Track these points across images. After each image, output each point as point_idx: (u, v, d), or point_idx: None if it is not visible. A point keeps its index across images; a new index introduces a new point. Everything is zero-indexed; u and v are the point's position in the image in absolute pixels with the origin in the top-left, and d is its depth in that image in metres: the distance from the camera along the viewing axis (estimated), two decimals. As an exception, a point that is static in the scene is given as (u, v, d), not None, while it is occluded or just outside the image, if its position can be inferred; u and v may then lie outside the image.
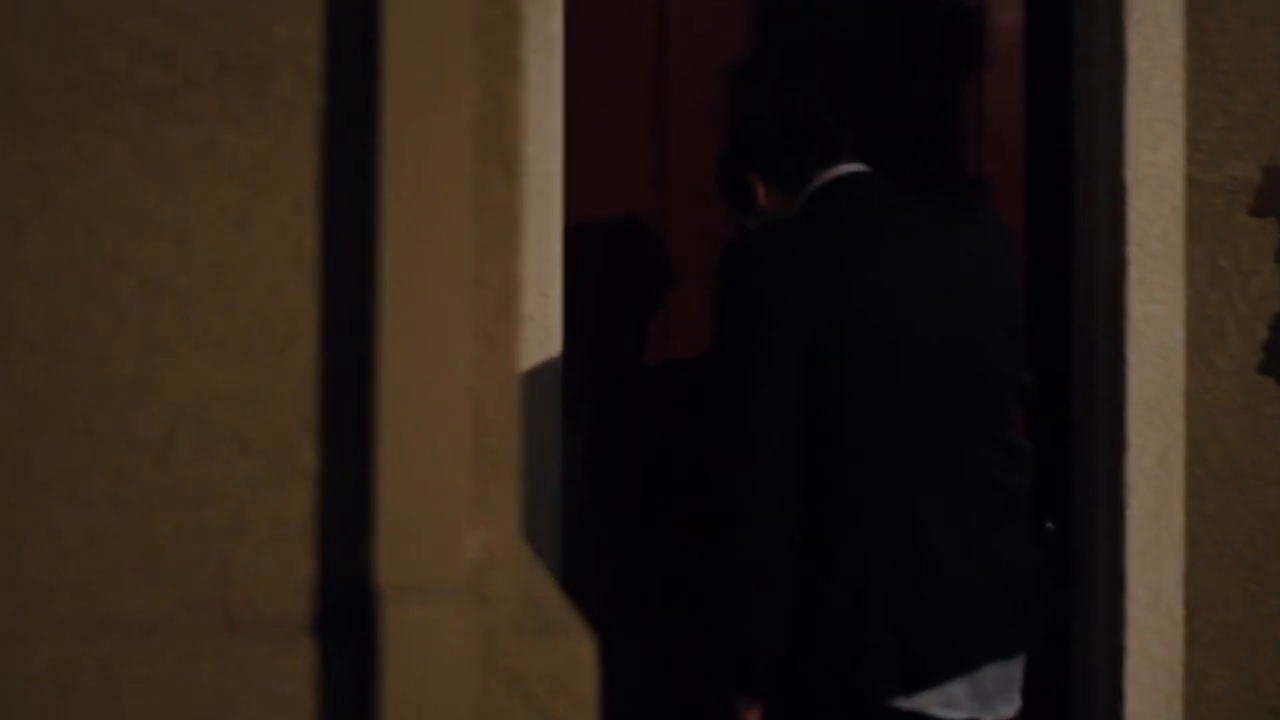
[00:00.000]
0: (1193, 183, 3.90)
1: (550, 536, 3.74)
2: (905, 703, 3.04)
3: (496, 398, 1.97)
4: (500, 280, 1.97)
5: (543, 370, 3.73)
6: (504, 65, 1.96)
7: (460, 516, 1.94)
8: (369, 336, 1.92)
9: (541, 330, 3.72)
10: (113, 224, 1.92)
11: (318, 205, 1.95)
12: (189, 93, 1.93)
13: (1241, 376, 3.93)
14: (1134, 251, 3.85)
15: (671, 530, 3.91)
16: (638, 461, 3.92)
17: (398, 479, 1.91)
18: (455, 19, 1.92)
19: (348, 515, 1.96)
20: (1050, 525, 3.92)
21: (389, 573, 1.91)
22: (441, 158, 1.92)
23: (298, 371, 1.96)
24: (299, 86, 1.95)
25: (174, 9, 1.93)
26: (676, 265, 3.93)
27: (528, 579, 2.15)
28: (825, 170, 3.25)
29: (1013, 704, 3.15)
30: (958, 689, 3.06)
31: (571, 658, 1.94)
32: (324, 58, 1.95)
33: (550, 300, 3.73)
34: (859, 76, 4.00)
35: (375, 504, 1.91)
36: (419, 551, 1.91)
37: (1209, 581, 3.92)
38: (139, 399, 1.93)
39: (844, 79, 3.99)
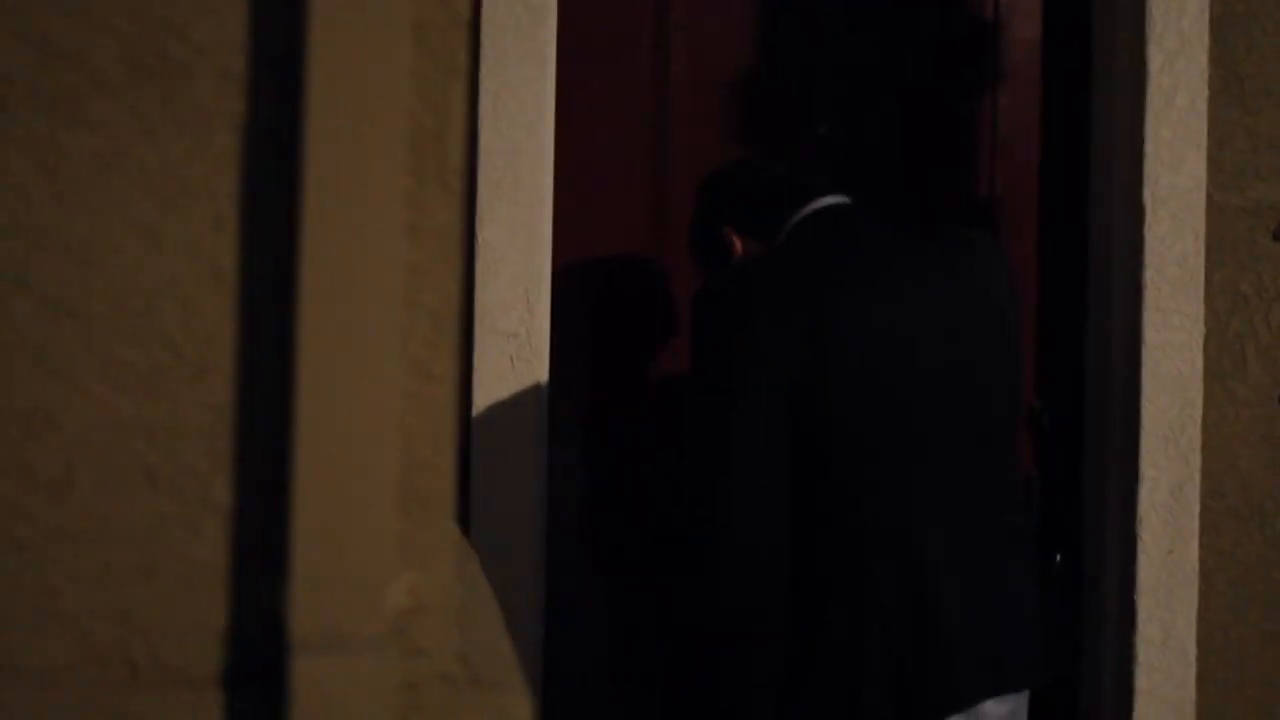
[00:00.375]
0: (1214, 205, 3.75)
1: (531, 560, 3.59)
2: None
3: (431, 433, 1.82)
4: (438, 307, 1.81)
5: (529, 388, 3.58)
6: (446, 72, 1.81)
7: (384, 561, 1.78)
8: (288, 365, 1.77)
9: (527, 348, 3.58)
10: (10, 240, 1.77)
11: (237, 222, 1.80)
12: (97, 98, 1.78)
13: (1262, 407, 3.77)
14: (1151, 276, 3.69)
15: (666, 553, 3.75)
16: (631, 482, 3.77)
17: (314, 520, 1.76)
18: (391, 21, 1.77)
19: (264, 558, 1.80)
20: (1059, 559, 3.77)
21: (303, 622, 1.76)
22: (372, 173, 1.76)
23: (212, 401, 1.81)
24: (219, 92, 1.80)
25: (82, 6, 1.78)
26: (674, 282, 3.78)
27: (462, 628, 1.99)
28: (801, 208, 3.13)
29: None
30: None
31: (504, 713, 1.79)
32: (247, 61, 1.80)
33: (537, 316, 3.59)
34: (868, 92, 3.84)
35: (290, 547, 1.76)
36: (336, 599, 1.76)
37: (1224, 620, 3.77)
38: (36, 430, 1.78)
39: (853, 95, 3.84)
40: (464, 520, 3.55)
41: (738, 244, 3.20)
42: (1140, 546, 3.69)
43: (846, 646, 2.90)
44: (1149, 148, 3.70)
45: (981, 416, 3.03)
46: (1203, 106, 3.72)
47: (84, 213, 1.78)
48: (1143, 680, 3.71)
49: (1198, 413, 3.73)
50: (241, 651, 1.81)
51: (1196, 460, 3.72)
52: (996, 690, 2.98)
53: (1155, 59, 3.70)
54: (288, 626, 1.74)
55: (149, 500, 1.80)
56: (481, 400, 3.56)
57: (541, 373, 3.62)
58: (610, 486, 3.79)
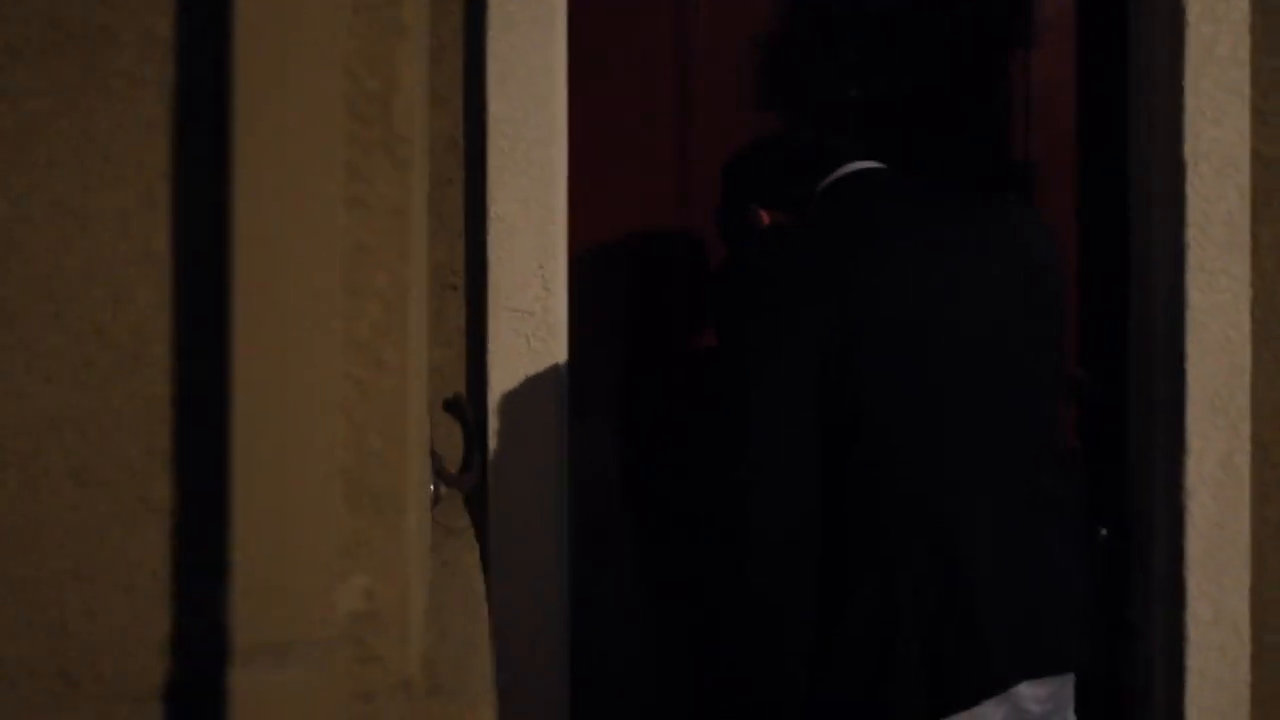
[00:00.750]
0: (1260, 159, 3.57)
1: (554, 550, 3.46)
2: None
3: (382, 425, 1.68)
4: (388, 289, 1.68)
5: (546, 369, 3.44)
6: (388, 30, 1.67)
7: (332, 563, 1.65)
8: (225, 352, 1.64)
9: (543, 326, 3.44)
10: (-81, 223, 1.65)
11: (169, 199, 1.67)
12: (11, 65, 1.65)
13: (1315, 372, 3.59)
14: (1194, 235, 3.53)
15: (690, 533, 3.62)
16: (657, 465, 3.63)
17: (254, 520, 1.63)
18: (325, -22, 1.64)
19: (207, 560, 1.68)
20: (1103, 533, 3.61)
21: (245, 630, 1.63)
22: (308, 142, 1.63)
23: (147, 393, 1.68)
24: (145, 57, 1.67)
25: (-7, -31, 1.65)
26: (697, 256, 3.63)
27: (432, 630, 1.87)
28: (830, 174, 3.00)
29: None
30: (991, 710, 2.77)
31: (465, 726, 1.66)
32: (174, 23, 1.67)
33: (553, 294, 3.45)
34: (898, 53, 3.68)
35: (230, 549, 1.63)
36: (280, 605, 1.63)
37: (1278, 596, 3.58)
38: (-46, 427, 1.66)
39: (882, 56, 3.68)
40: (482, 503, 3.42)
41: (765, 219, 3.08)
42: (1189, 520, 3.52)
43: (875, 626, 2.75)
44: (1188, 100, 3.53)
45: (1021, 383, 2.86)
46: (1245, 54, 3.54)
47: (1, 191, 1.65)
48: (1194, 659, 3.55)
49: (1246, 378, 3.55)
50: (185, 662, 1.68)
51: (1246, 428, 3.56)
52: (1034, 672, 2.83)
53: (1193, 6, 3.53)
54: (229, 635, 1.61)
55: (82, 500, 1.68)
56: (496, 381, 3.43)
57: (559, 352, 3.48)
58: (633, 468, 3.65)
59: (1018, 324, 2.85)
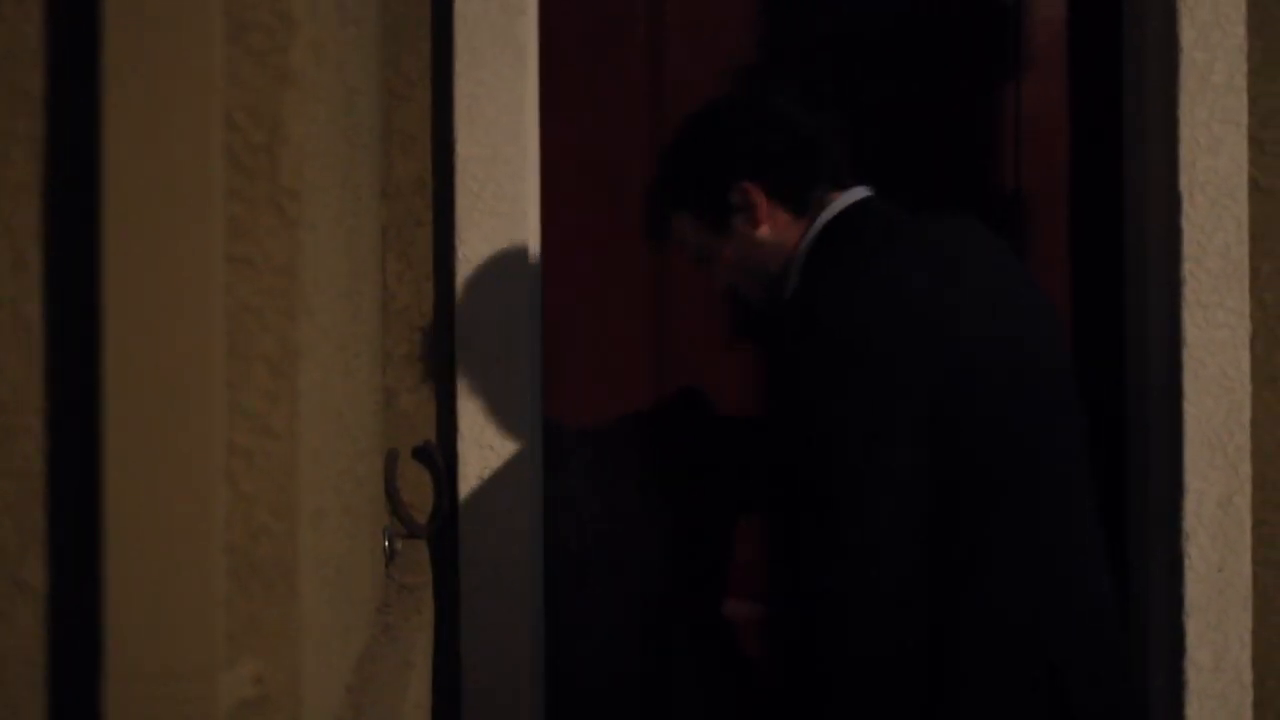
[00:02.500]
0: (1258, 189, 3.46)
1: (528, 592, 3.35)
2: None
3: (272, 497, 1.57)
4: (274, 353, 1.57)
5: (517, 413, 3.33)
6: (274, 78, 1.57)
7: (217, 648, 1.54)
8: (99, 423, 1.53)
9: (515, 372, 3.33)
10: None
11: (41, 262, 1.57)
12: None
13: (1318, 409, 3.47)
14: (1190, 269, 3.41)
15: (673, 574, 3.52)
16: (634, 509, 3.52)
17: (130, 604, 1.52)
18: (201, 19, 1.53)
19: (83, 646, 1.57)
20: None
21: (122, 721, 1.52)
22: (186, 196, 1.52)
23: (20, 469, 1.58)
24: (12, 111, 1.57)
25: None
26: (679, 293, 3.52)
27: (338, 713, 1.75)
28: (834, 193, 2.70)
29: None
30: None
31: (362, 825, 1.54)
32: (44, 77, 1.56)
33: (524, 337, 3.34)
34: (879, 80, 3.57)
35: (105, 636, 1.52)
36: (157, 694, 1.52)
37: (1281, 640, 3.47)
38: None
39: (862, 83, 3.57)
40: (453, 549, 3.31)
41: (763, 208, 2.68)
42: (1187, 564, 3.40)
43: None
44: (1184, 130, 3.41)
45: (1075, 429, 2.68)
46: (1242, 82, 3.42)
47: None
48: (1194, 709, 3.43)
49: (1246, 416, 3.43)
50: (61, 755, 1.57)
51: (1246, 469, 3.43)
52: None
53: (1187, 33, 3.41)
54: (104, 727, 1.50)
55: (-48, 583, 1.57)
56: (466, 428, 3.32)
57: (533, 397, 3.37)
58: (611, 515, 3.53)
59: (1059, 353, 2.70)
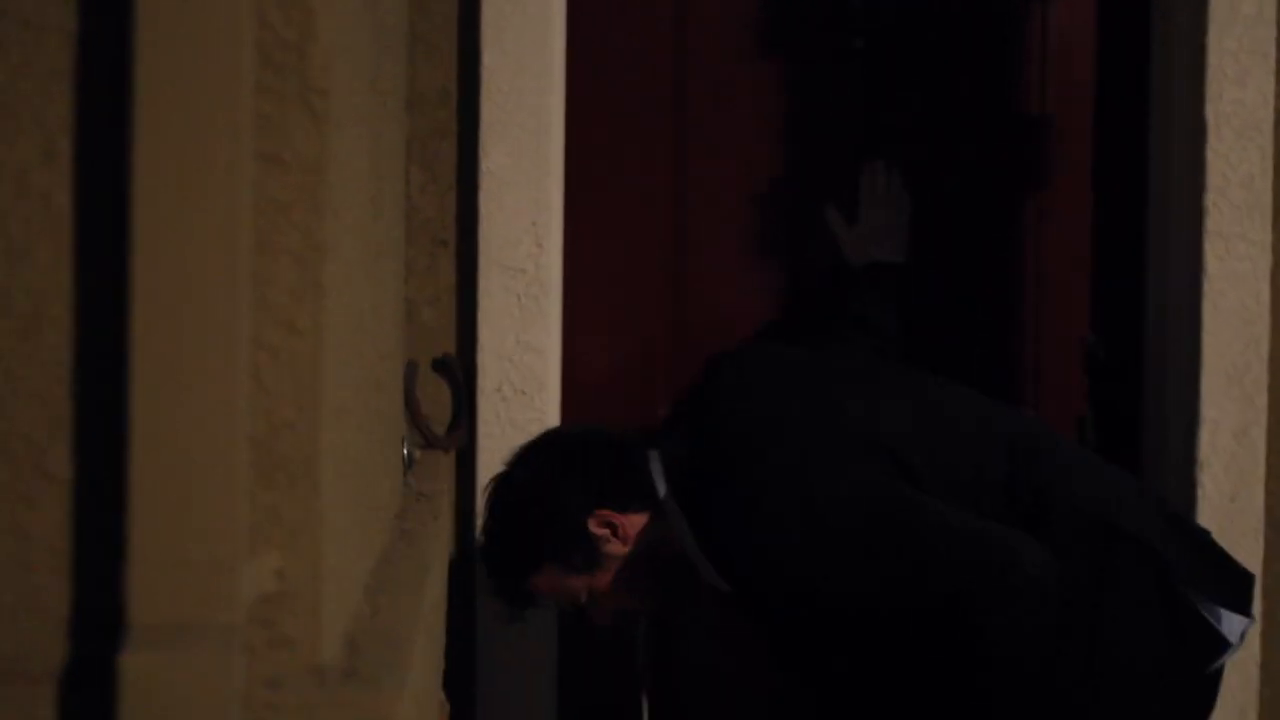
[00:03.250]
0: (1284, 122, 3.43)
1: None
2: None
3: (295, 393, 1.59)
4: (301, 249, 1.58)
5: (538, 329, 3.34)
6: (307, -22, 1.57)
7: (239, 540, 1.56)
8: (127, 315, 1.55)
9: (536, 284, 3.34)
10: None
11: (71, 153, 1.58)
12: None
13: (1336, 343, 3.47)
14: (1213, 200, 3.41)
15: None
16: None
17: (155, 494, 1.54)
18: (236, -82, 1.53)
19: (108, 534, 1.59)
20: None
21: (143, 610, 1.54)
22: (217, 92, 1.53)
23: (46, 359, 1.59)
24: (48, 4, 1.57)
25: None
26: (697, 209, 3.52)
27: (359, 612, 1.77)
28: (644, 457, 2.82)
29: None
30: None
31: (376, 713, 1.56)
32: (77, -32, 1.57)
33: (546, 251, 3.34)
34: (902, 4, 3.56)
35: (128, 524, 1.54)
36: (181, 584, 1.54)
37: (1293, 572, 3.48)
38: None
39: (889, 3, 3.55)
40: (470, 462, 3.32)
41: (624, 524, 2.78)
42: (1200, 493, 3.41)
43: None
44: (1212, 60, 3.40)
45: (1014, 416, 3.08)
46: (1271, 13, 3.42)
47: (-112, 143, 1.56)
48: (1203, 638, 3.43)
49: (1264, 349, 3.44)
50: (85, 643, 1.59)
51: (1263, 400, 3.44)
52: None
53: (1219, -39, 3.40)
54: (126, 615, 1.52)
55: (-25, 469, 1.59)
56: (487, 340, 3.33)
57: (552, 313, 3.38)
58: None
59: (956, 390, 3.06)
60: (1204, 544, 2.92)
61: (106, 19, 1.55)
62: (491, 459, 3.29)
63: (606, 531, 2.77)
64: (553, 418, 3.40)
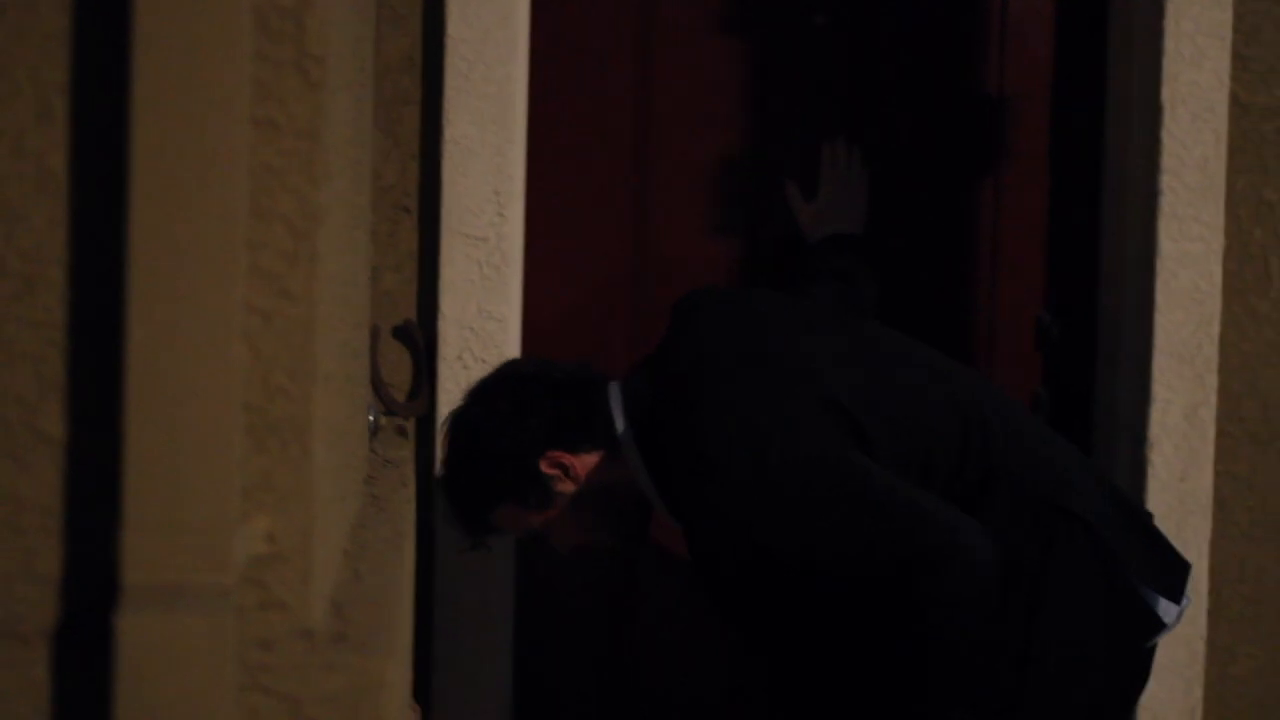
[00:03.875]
0: (1239, 105, 3.49)
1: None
2: None
3: (288, 359, 1.60)
4: (294, 214, 1.59)
5: (499, 298, 3.35)
6: (305, -55, 1.58)
7: (232, 502, 1.57)
8: (121, 277, 1.55)
9: (497, 253, 3.35)
10: None
11: (66, 115, 1.58)
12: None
13: (1285, 324, 3.52)
14: (1168, 181, 3.44)
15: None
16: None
17: (149, 454, 1.55)
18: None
19: (101, 496, 1.60)
20: None
21: (138, 571, 1.55)
22: (214, 57, 1.54)
23: (40, 320, 1.60)
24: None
25: None
26: (658, 183, 3.54)
27: (342, 577, 1.79)
28: (602, 394, 2.86)
29: None
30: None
31: (366, 676, 1.58)
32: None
33: (508, 221, 3.36)
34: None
35: (122, 485, 1.55)
36: (174, 546, 1.55)
37: (1239, 550, 3.55)
38: None
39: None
40: (429, 436, 3.33)
41: (575, 464, 2.82)
42: (1151, 471, 3.46)
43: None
44: (1168, 42, 3.44)
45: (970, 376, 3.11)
46: (1228, -3, 3.45)
47: (-116, 103, 1.56)
48: (1150, 614, 3.48)
49: (1215, 329, 3.48)
50: (76, 604, 1.61)
51: (1213, 380, 3.49)
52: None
53: (1177, -55, 3.43)
54: (119, 575, 1.53)
55: (-32, 430, 1.59)
56: (448, 308, 3.34)
57: (513, 281, 3.39)
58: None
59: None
60: (1146, 528, 2.96)
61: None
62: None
63: (558, 471, 2.81)
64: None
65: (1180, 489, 3.48)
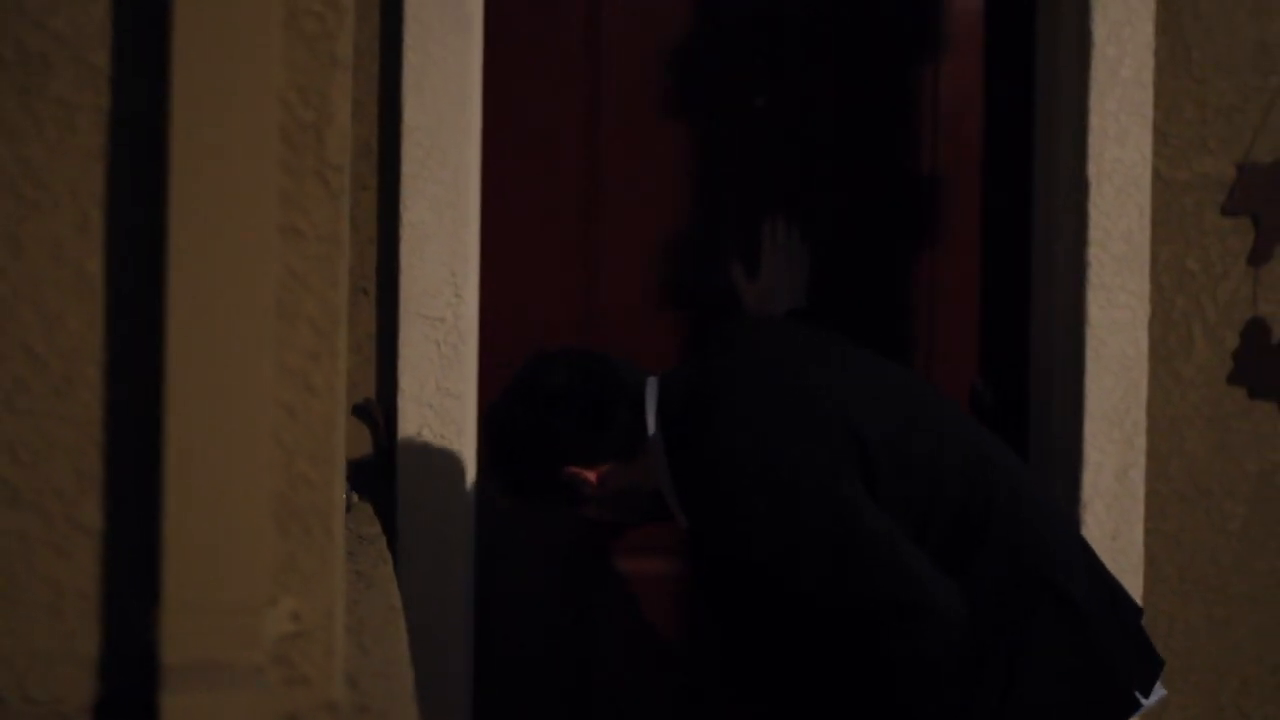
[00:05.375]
0: (1161, 179, 3.65)
1: (461, 553, 3.48)
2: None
3: (311, 449, 1.71)
4: (318, 315, 1.70)
5: (456, 375, 3.46)
6: (325, 61, 1.70)
7: (262, 585, 1.68)
8: (156, 378, 1.66)
9: (454, 332, 3.46)
10: None
11: (102, 224, 1.69)
12: (-54, 93, 1.66)
13: (1209, 388, 3.68)
14: (1095, 253, 3.60)
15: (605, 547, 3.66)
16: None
17: (186, 542, 1.65)
18: (262, 8, 1.66)
19: (137, 583, 1.70)
20: None
21: (176, 651, 1.65)
22: (243, 170, 1.65)
23: (78, 417, 1.70)
24: (80, 85, 1.68)
25: (-73, -7, 1.66)
26: (608, 262, 3.66)
27: (355, 648, 1.89)
28: (640, 406, 2.99)
29: None
30: None
31: (390, 747, 1.69)
32: (110, 52, 1.68)
33: (465, 301, 3.47)
34: (807, 62, 3.73)
35: (161, 571, 1.65)
36: (209, 627, 1.65)
37: (1169, 606, 3.69)
38: (-114, 448, 1.67)
39: (791, 65, 3.72)
40: (391, 511, 3.43)
41: (593, 478, 2.99)
42: (1084, 531, 3.59)
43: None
44: (1093, 120, 3.60)
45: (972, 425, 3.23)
46: (1148, 77, 3.62)
47: (-65, 216, 1.66)
48: (1087, 667, 3.62)
49: (1143, 394, 3.64)
50: (115, 683, 1.70)
51: (1142, 443, 3.64)
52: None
53: (1100, 28, 3.60)
54: (159, 656, 1.63)
55: (12, 521, 1.69)
56: (407, 387, 3.45)
57: (469, 359, 3.50)
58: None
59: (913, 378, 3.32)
60: (1124, 617, 3.06)
61: (141, 102, 1.67)
62: (411, 504, 3.41)
63: (575, 481, 2.98)
64: (471, 462, 3.51)
65: (1113, 547, 3.62)
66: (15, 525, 1.69)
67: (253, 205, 1.64)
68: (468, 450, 3.51)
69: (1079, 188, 3.61)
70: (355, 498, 3.26)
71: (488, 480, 3.17)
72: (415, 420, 3.46)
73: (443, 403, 3.47)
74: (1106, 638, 2.94)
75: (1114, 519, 3.62)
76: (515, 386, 3.04)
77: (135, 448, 1.68)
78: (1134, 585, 3.62)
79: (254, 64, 1.64)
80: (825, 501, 2.80)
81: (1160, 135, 3.65)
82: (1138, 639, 3.04)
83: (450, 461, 3.47)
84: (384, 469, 3.43)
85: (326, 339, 1.68)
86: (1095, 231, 3.61)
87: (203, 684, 1.60)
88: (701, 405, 2.90)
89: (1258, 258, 3.67)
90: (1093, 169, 3.60)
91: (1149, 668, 3.01)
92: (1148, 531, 3.66)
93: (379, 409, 3.44)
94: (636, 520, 3.15)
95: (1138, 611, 3.11)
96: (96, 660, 1.69)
